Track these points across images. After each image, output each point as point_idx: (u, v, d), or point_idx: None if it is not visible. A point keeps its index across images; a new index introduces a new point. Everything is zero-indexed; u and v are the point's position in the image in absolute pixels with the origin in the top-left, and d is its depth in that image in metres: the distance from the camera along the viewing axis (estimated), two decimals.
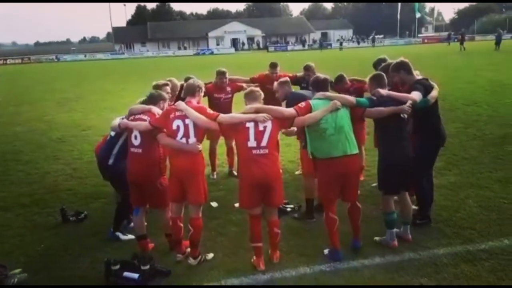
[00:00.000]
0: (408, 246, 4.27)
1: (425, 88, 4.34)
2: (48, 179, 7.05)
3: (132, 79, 24.29)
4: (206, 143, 5.66)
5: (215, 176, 6.77)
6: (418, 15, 71.91)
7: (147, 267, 3.86)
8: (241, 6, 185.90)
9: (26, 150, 9.04)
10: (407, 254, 4.15)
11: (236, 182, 5.02)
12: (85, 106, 14.87)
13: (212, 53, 60.97)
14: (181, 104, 4.06)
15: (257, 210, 4.01)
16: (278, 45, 68.79)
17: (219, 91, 6.41)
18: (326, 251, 4.19)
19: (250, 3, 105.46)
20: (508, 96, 12.56)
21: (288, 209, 5.24)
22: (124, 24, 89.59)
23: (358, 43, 66.54)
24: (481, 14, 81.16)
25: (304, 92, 5.14)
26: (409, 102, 4.08)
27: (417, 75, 4.65)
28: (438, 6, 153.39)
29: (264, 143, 3.81)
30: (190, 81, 4.38)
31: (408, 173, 4.25)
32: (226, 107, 6.05)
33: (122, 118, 4.40)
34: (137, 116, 4.27)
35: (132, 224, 4.76)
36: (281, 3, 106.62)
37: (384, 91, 4.16)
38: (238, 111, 4.22)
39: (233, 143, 5.62)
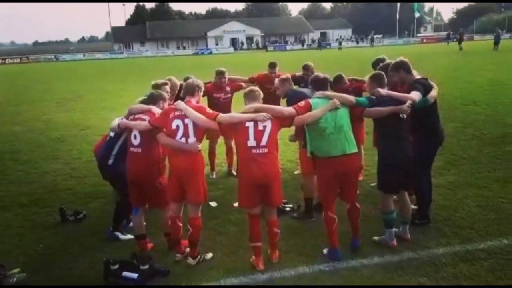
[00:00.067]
0: (407, 246, 4.27)
1: (425, 87, 4.34)
2: (47, 179, 7.04)
3: (131, 78, 24.25)
4: (205, 142, 5.67)
5: (214, 176, 6.78)
6: (417, 14, 71.79)
7: (146, 266, 3.86)
8: (240, 6, 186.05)
9: (25, 149, 9.03)
10: (406, 253, 4.15)
11: (235, 182, 5.03)
12: (84, 106, 14.85)
13: (211, 53, 60.91)
14: (180, 103, 4.06)
15: (256, 209, 4.01)
16: (277, 44, 68.87)
17: (218, 90, 6.41)
18: (325, 251, 4.19)
19: (249, 3, 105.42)
20: (507, 95, 12.57)
21: (287, 209, 5.24)
22: (123, 24, 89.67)
23: (357, 42, 66.56)
24: (480, 14, 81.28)
25: (304, 90, 5.14)
26: (408, 102, 4.08)
27: (416, 75, 4.65)
28: (437, 6, 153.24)
29: (263, 142, 3.81)
30: (190, 80, 4.38)
31: (408, 172, 4.25)
32: (225, 107, 6.06)
33: (121, 119, 4.40)
34: (136, 116, 4.28)
35: (131, 223, 4.76)
36: (280, 3, 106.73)
37: (383, 91, 4.16)
38: (238, 110, 4.21)
39: (233, 143, 5.61)
